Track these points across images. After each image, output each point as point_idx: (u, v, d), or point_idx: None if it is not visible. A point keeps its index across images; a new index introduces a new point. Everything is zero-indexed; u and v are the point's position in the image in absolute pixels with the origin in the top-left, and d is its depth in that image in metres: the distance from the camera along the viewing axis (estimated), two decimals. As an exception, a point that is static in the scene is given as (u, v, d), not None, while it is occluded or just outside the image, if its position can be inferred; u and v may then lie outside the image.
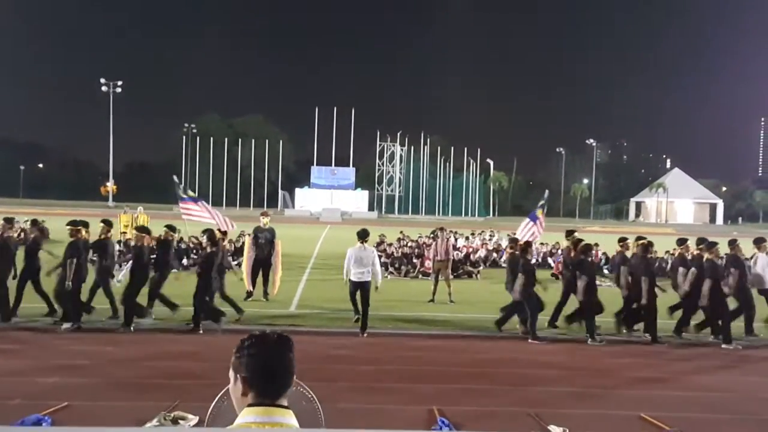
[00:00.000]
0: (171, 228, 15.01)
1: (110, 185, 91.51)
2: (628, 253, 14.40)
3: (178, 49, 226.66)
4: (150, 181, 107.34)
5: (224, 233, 16.07)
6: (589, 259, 14.06)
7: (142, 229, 13.99)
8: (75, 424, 7.04)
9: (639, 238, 14.19)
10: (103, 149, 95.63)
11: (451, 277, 17.89)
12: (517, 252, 14.37)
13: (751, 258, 14.45)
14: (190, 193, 17.23)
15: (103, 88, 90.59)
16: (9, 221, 14.07)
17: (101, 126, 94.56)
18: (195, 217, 16.22)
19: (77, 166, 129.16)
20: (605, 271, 24.64)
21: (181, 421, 7.08)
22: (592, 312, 12.95)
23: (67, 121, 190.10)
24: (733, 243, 13.71)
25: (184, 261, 20.66)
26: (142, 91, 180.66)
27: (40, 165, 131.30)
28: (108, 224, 13.99)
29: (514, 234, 19.30)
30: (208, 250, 13.35)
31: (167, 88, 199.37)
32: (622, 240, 14.95)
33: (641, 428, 7.76)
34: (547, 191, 27.16)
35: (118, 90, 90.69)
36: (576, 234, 15.49)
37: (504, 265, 27.54)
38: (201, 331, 12.31)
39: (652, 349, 12.57)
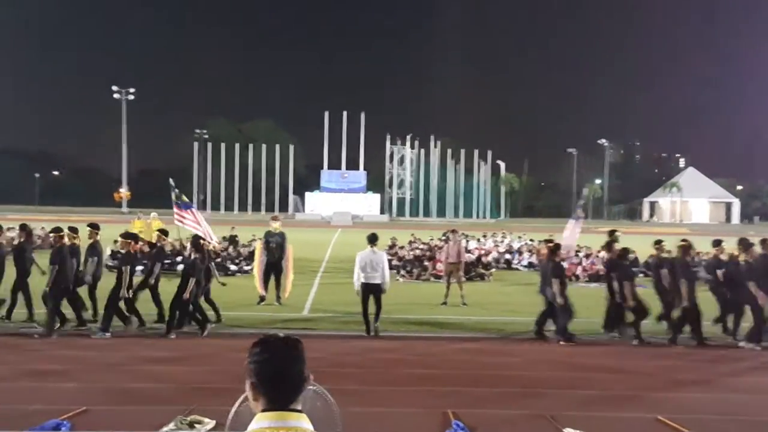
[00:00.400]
0: (163, 231, 15.26)
1: (124, 191, 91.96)
2: (665, 255, 14.17)
3: (187, 54, 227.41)
4: (163, 186, 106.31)
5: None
6: (626, 261, 13.98)
7: (128, 236, 13.98)
8: (93, 428, 7.10)
9: (683, 240, 13.83)
10: (116, 156, 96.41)
11: (463, 279, 17.92)
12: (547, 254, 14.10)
13: None
14: (184, 198, 17.25)
15: (116, 96, 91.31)
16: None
17: (114, 133, 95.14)
18: (186, 225, 16.29)
19: (91, 173, 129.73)
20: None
21: (197, 425, 7.13)
22: (639, 315, 13.00)
23: (80, 129, 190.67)
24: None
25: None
26: (153, 98, 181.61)
27: (55, 173, 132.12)
28: (95, 227, 13.99)
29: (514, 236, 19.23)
30: (192, 256, 13.35)
31: (178, 93, 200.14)
32: (658, 242, 14.71)
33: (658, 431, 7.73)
34: (585, 189, 27.07)
35: (131, 97, 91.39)
36: (617, 234, 15.10)
37: (519, 267, 27.67)
38: (173, 336, 12.48)
39: (688, 351, 12.48)
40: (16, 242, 15.22)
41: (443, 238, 20.24)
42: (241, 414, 2.97)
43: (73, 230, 13.94)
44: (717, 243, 14.72)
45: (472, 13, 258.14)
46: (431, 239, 28.82)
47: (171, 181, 17.78)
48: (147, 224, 27.61)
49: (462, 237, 20.67)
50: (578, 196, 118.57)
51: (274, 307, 15.99)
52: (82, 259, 13.74)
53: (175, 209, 16.61)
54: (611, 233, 14.88)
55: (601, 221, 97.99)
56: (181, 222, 16.35)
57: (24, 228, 14.37)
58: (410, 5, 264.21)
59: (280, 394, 2.33)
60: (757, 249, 13.34)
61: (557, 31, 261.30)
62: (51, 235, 13.00)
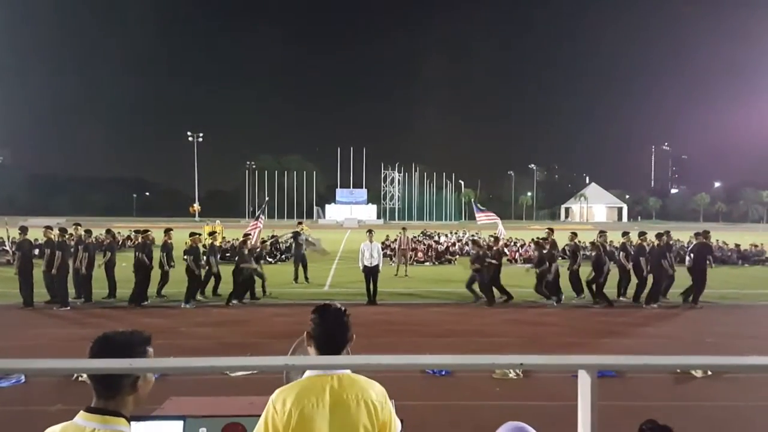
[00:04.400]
0: (211, 233, 15.61)
1: (196, 206, 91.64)
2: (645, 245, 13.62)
3: (239, 108, 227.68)
4: (224, 203, 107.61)
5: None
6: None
7: (192, 234, 13.61)
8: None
9: (658, 235, 13.57)
10: (191, 181, 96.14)
11: (410, 261, 19.95)
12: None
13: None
14: (259, 214, 17.49)
15: (189, 138, 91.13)
16: (89, 232, 13.85)
17: (189, 164, 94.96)
18: (252, 228, 16.35)
19: (172, 193, 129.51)
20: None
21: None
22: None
23: (165, 162, 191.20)
24: (660, 235, 13.58)
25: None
26: (216, 139, 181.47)
27: (147, 193, 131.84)
28: (49, 228, 13.12)
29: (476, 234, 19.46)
30: (241, 249, 13.49)
31: (234, 136, 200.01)
32: (642, 234, 13.72)
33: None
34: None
35: (200, 139, 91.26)
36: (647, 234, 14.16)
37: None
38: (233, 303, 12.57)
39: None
40: (107, 241, 14.85)
41: (398, 234, 20.27)
42: (297, 350, 2.95)
43: (79, 225, 14.03)
44: (641, 234, 13.90)
45: (442, 76, 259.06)
46: (414, 236, 28.83)
47: (267, 197, 17.86)
48: (213, 229, 27.53)
49: (410, 234, 20.89)
50: (515, 205, 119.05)
51: (304, 284, 15.96)
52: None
53: (254, 219, 16.81)
54: (550, 230, 14.68)
55: (532, 221, 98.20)
56: (254, 228, 16.39)
57: (108, 231, 14.14)
58: (399, 73, 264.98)
59: (327, 348, 2.13)
60: (651, 238, 13.61)
61: (499, 89, 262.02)
62: (185, 236, 12.87)
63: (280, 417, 1.96)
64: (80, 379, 6.44)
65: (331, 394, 1.98)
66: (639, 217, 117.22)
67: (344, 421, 1.96)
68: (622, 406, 5.60)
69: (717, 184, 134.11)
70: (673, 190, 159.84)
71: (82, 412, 1.63)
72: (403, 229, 19.87)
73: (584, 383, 1.33)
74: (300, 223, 18.05)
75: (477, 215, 24.69)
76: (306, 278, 16.44)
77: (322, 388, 1.99)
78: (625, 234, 14.11)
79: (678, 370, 7.13)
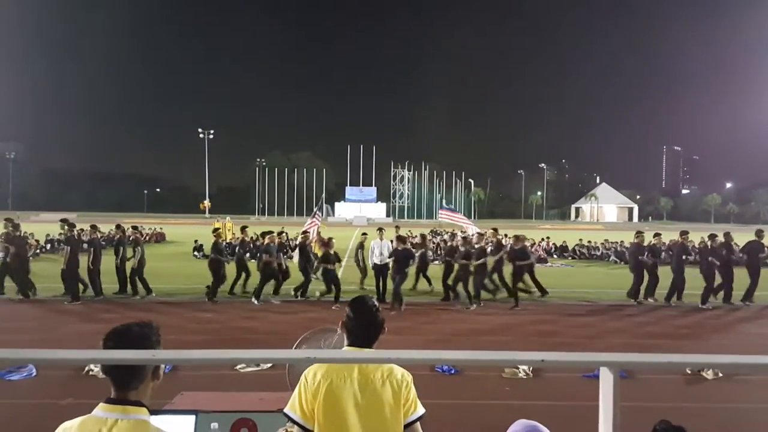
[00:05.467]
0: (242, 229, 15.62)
1: (207, 203, 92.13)
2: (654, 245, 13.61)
3: (250, 105, 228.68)
4: (235, 199, 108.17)
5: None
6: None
7: (215, 230, 13.82)
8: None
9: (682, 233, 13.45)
10: (201, 177, 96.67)
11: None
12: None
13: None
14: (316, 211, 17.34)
15: (200, 135, 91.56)
16: (94, 228, 13.83)
17: (199, 161, 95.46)
18: (309, 226, 16.43)
19: (183, 189, 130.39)
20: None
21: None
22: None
23: (176, 158, 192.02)
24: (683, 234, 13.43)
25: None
26: (227, 136, 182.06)
27: (158, 189, 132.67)
28: (65, 222, 13.50)
29: (464, 232, 19.16)
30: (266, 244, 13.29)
31: (245, 133, 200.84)
32: (657, 235, 13.87)
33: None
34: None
35: (211, 136, 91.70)
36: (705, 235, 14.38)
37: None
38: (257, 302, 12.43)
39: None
40: (117, 237, 14.88)
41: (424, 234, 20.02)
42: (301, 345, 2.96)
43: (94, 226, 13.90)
44: (656, 234, 14.02)
45: (452, 74, 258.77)
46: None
47: (324, 198, 17.58)
48: (223, 225, 27.70)
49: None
50: (525, 204, 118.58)
51: (317, 280, 15.86)
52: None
53: (311, 216, 16.76)
54: (494, 230, 15.00)
55: (542, 221, 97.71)
56: (311, 225, 16.40)
57: (72, 226, 13.29)
58: (410, 72, 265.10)
59: (361, 340, 2.26)
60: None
61: (511, 82, 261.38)
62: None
63: (311, 387, 2.11)
64: (91, 372, 6.49)
65: (360, 372, 2.14)
66: (650, 218, 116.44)
67: (370, 398, 2.11)
68: (634, 407, 5.55)
69: (728, 185, 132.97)
70: (684, 191, 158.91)
71: (101, 404, 1.66)
72: (397, 227, 18.87)
73: (606, 381, 1.30)
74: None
75: (440, 212, 23.82)
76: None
77: (351, 367, 2.15)
78: (684, 233, 13.57)
79: (689, 372, 7.06)
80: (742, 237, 15.01)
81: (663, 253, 13.29)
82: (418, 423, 2.18)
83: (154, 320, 1.83)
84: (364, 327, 2.28)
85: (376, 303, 2.37)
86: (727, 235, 13.67)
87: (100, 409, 1.64)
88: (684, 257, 13.26)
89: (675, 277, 12.98)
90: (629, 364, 1.39)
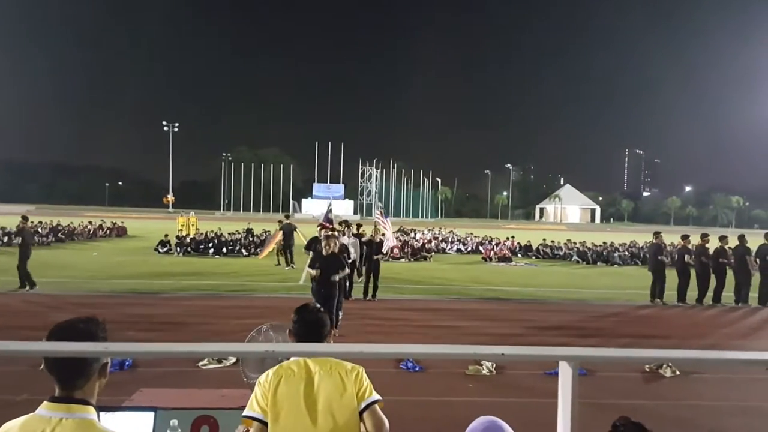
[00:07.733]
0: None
1: (170, 197, 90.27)
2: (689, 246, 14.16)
3: (217, 98, 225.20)
4: (199, 194, 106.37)
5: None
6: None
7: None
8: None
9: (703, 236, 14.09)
10: (165, 171, 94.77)
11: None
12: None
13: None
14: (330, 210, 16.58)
15: (165, 128, 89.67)
16: (25, 218, 13.74)
17: (163, 154, 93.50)
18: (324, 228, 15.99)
19: (146, 183, 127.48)
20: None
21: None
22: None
23: (139, 151, 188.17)
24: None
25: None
26: (192, 129, 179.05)
27: (120, 183, 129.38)
28: (24, 219, 13.68)
29: (433, 230, 19.32)
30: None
31: (210, 127, 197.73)
32: (685, 237, 14.24)
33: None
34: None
35: (176, 129, 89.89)
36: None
37: (450, 252, 27.76)
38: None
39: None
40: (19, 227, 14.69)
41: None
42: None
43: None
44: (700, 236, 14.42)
45: (421, 73, 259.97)
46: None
47: (331, 204, 16.91)
48: (186, 220, 27.21)
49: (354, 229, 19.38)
50: (491, 204, 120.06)
51: (281, 275, 15.97)
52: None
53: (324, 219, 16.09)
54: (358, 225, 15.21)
55: (507, 221, 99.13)
56: (324, 227, 15.78)
57: (24, 218, 13.66)
58: (379, 71, 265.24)
59: (307, 337, 2.44)
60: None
61: (478, 90, 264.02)
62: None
63: (265, 386, 2.26)
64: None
65: (308, 365, 2.30)
66: (611, 219, 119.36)
67: (319, 385, 2.26)
68: (594, 403, 5.67)
69: (688, 188, 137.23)
70: (645, 193, 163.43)
71: (45, 402, 1.58)
72: (345, 221, 18.43)
73: (565, 375, 1.33)
74: (287, 216, 19.72)
75: (376, 213, 23.16)
76: (287, 263, 18.11)
77: (302, 363, 2.31)
78: (723, 238, 14.18)
79: (647, 369, 7.26)
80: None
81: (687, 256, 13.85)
82: (376, 405, 2.29)
83: (99, 315, 1.73)
84: (310, 325, 2.46)
85: (319, 306, 2.60)
86: (722, 239, 14.23)
87: (44, 408, 1.56)
88: (686, 259, 13.82)
89: (681, 279, 13.65)
90: (588, 358, 1.42)
